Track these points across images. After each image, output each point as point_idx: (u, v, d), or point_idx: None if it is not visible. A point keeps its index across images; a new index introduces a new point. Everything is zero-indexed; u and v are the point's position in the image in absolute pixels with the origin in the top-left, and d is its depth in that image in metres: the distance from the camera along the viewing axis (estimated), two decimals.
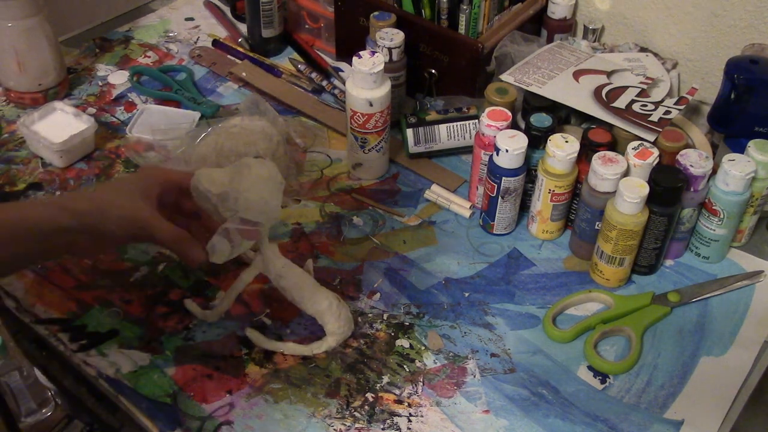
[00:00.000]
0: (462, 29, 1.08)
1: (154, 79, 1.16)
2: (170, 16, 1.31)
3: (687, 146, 0.90)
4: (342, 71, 1.19)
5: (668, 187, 0.84)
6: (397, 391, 0.78)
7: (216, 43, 1.23)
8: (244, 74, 1.16)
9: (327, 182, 1.02)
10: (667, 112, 0.95)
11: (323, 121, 1.10)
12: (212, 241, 0.74)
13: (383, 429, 0.75)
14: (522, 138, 0.88)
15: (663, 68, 1.06)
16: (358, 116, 0.95)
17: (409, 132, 1.02)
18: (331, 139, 1.08)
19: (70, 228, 0.73)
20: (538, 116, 0.92)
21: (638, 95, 0.98)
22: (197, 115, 1.08)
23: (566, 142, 0.87)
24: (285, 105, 1.12)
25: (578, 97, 0.98)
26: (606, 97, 0.98)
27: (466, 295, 0.88)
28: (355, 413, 0.76)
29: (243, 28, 1.25)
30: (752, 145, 0.87)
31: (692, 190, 0.87)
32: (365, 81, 0.92)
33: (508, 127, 0.90)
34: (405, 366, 0.81)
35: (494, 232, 0.95)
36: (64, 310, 0.85)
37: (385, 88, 0.94)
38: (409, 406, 0.77)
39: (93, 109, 1.11)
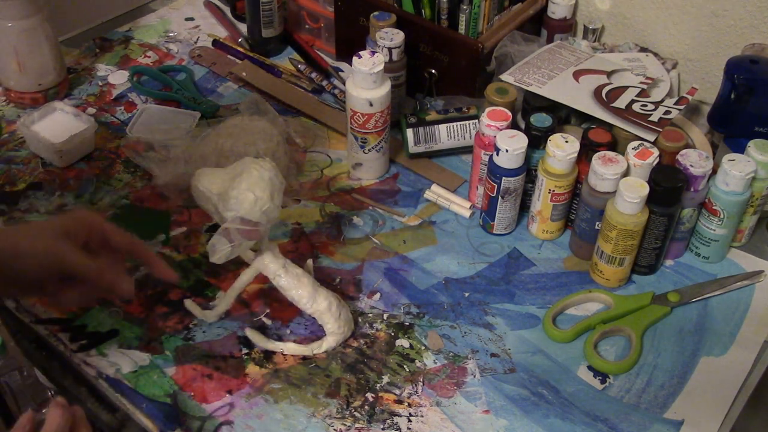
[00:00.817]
0: (462, 29, 1.08)
1: (154, 79, 1.16)
2: (170, 16, 1.31)
3: (687, 146, 0.90)
4: (342, 71, 1.19)
5: (668, 187, 0.84)
6: (397, 391, 0.78)
7: (216, 43, 1.23)
8: (244, 74, 1.16)
9: (327, 182, 1.02)
10: (667, 112, 0.95)
11: (323, 121, 1.10)
12: (212, 241, 0.74)
13: (383, 429, 0.75)
14: (522, 138, 0.88)
15: (663, 68, 1.06)
16: (358, 116, 0.95)
17: (409, 132, 1.02)
18: (331, 139, 1.08)
19: None
20: (538, 116, 0.92)
21: (638, 95, 0.98)
22: (197, 115, 1.08)
23: (566, 142, 0.87)
24: (285, 105, 1.12)
25: (578, 97, 0.98)
26: (606, 97, 0.98)
27: (466, 295, 0.88)
28: (355, 413, 0.76)
29: (243, 28, 1.25)
30: (752, 145, 0.87)
31: (692, 190, 0.87)
32: (365, 81, 0.92)
33: (508, 127, 0.90)
34: (405, 366, 0.81)
35: (494, 232, 0.95)
36: (64, 310, 0.85)
37: (385, 88, 0.94)
38: (409, 406, 0.77)
39: (93, 109, 1.11)
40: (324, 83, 1.15)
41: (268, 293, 0.87)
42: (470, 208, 0.97)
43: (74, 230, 0.73)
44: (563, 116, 1.00)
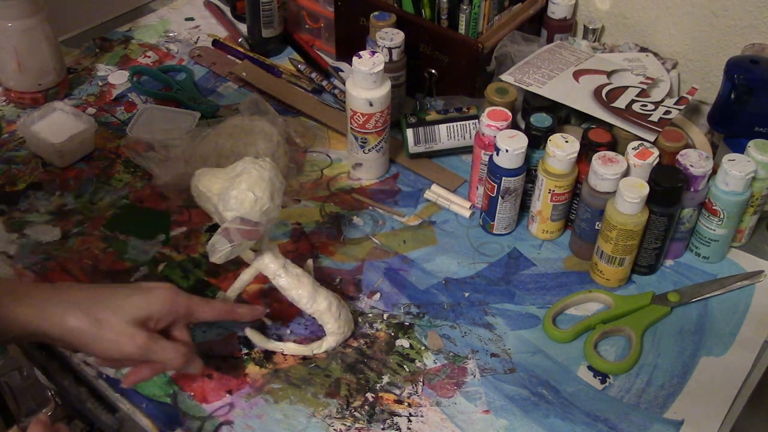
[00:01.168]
0: (462, 29, 1.08)
1: (154, 79, 1.16)
2: (170, 16, 1.31)
3: (687, 146, 0.90)
4: (342, 71, 1.19)
5: (668, 187, 0.84)
6: (397, 391, 0.78)
7: (216, 43, 1.23)
8: (244, 74, 1.16)
9: (327, 182, 1.02)
10: (667, 112, 0.95)
11: (323, 121, 1.10)
12: (212, 241, 0.74)
13: (383, 429, 0.75)
14: (522, 138, 0.88)
15: (663, 68, 1.06)
16: (358, 116, 0.95)
17: (409, 132, 1.02)
18: (331, 139, 1.08)
19: (48, 338, 0.67)
20: (538, 116, 0.92)
21: (638, 95, 0.98)
22: (197, 115, 1.08)
23: (566, 142, 0.87)
24: (285, 105, 1.12)
25: (578, 97, 0.98)
26: (606, 97, 0.98)
27: (466, 295, 0.88)
28: (355, 413, 0.76)
29: (243, 28, 1.25)
30: (752, 145, 0.87)
31: (692, 190, 0.87)
32: (365, 81, 0.92)
33: (508, 127, 0.90)
34: (405, 366, 0.81)
35: (494, 232, 0.95)
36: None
37: (385, 88, 0.94)
38: (409, 406, 0.77)
39: (93, 109, 1.11)
40: (324, 83, 1.15)
41: (268, 293, 0.87)
42: (470, 208, 0.97)
43: (156, 316, 0.70)
44: (563, 116, 1.00)
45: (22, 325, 0.66)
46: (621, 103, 0.97)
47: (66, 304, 0.68)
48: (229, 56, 1.22)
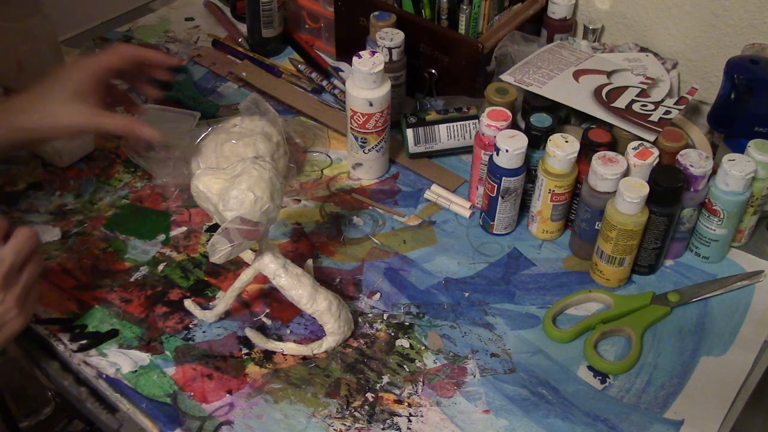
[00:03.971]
0: (462, 29, 1.08)
1: (154, 79, 1.16)
2: (170, 16, 1.31)
3: (687, 146, 0.90)
4: (342, 71, 1.19)
5: (668, 187, 0.84)
6: (397, 391, 0.78)
7: (216, 43, 1.23)
8: (244, 74, 1.16)
9: (327, 182, 1.02)
10: (667, 112, 0.95)
11: (323, 121, 1.10)
12: (212, 241, 0.74)
13: (383, 429, 0.75)
14: (522, 138, 0.88)
15: (663, 68, 1.06)
16: (358, 116, 0.95)
17: (409, 132, 1.02)
18: (331, 139, 1.08)
19: (19, 142, 0.81)
20: (538, 116, 0.92)
21: (638, 95, 0.98)
22: (197, 115, 1.08)
23: (566, 142, 0.87)
24: (285, 105, 1.12)
25: (578, 97, 0.98)
26: (606, 97, 0.98)
27: (466, 295, 0.88)
28: (355, 413, 0.76)
29: (243, 28, 1.25)
30: (752, 145, 0.87)
31: (692, 190, 0.87)
32: (365, 81, 0.92)
33: (508, 127, 0.90)
34: (405, 366, 0.81)
35: (494, 232, 0.95)
36: (64, 310, 0.85)
37: (385, 88, 0.94)
38: (409, 406, 0.77)
39: None
40: (324, 83, 1.15)
41: (268, 293, 0.87)
42: (470, 208, 0.97)
43: (86, 85, 0.81)
44: (563, 116, 1.00)
45: None
46: (621, 103, 0.97)
47: (18, 110, 0.82)
48: (229, 56, 1.22)
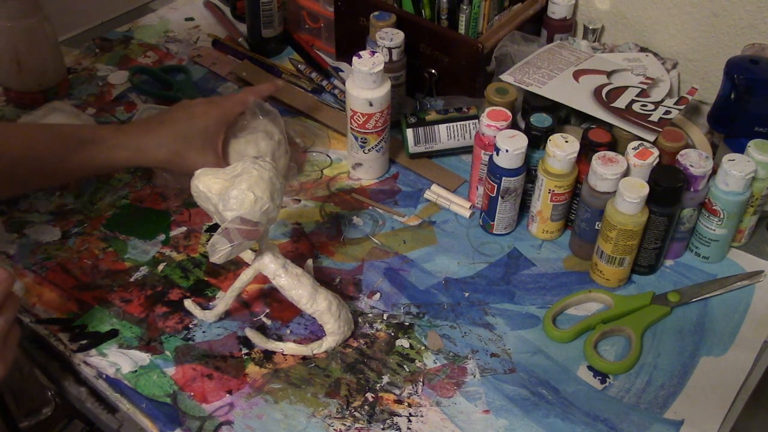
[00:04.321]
0: (462, 29, 1.08)
1: (154, 79, 1.16)
2: (170, 16, 1.31)
3: (687, 146, 0.90)
4: (342, 71, 1.19)
5: (668, 187, 0.84)
6: (397, 391, 0.78)
7: (216, 43, 1.23)
8: (244, 74, 1.16)
9: (327, 182, 1.02)
10: (667, 112, 0.95)
11: (323, 121, 1.10)
12: (212, 241, 0.74)
13: (383, 429, 0.75)
14: (522, 138, 0.88)
15: (663, 68, 1.06)
16: (358, 116, 0.95)
17: (409, 132, 1.02)
18: (331, 139, 1.08)
19: (132, 167, 0.93)
20: (538, 116, 0.92)
21: (638, 95, 0.98)
22: None
23: (566, 142, 0.87)
24: (285, 105, 1.12)
25: (578, 97, 0.98)
26: (606, 97, 0.98)
27: (466, 295, 0.88)
28: (355, 413, 0.76)
29: (243, 28, 1.25)
30: (752, 145, 0.87)
31: (692, 190, 0.87)
32: (365, 81, 0.92)
33: (508, 127, 0.90)
34: (405, 366, 0.81)
35: (494, 232, 0.95)
36: (64, 310, 0.85)
37: (385, 88, 0.94)
38: (409, 406, 0.77)
39: (93, 109, 1.11)
40: (324, 83, 1.15)
41: (268, 293, 0.87)
42: (470, 208, 0.97)
43: (215, 136, 0.91)
44: (563, 116, 1.00)
45: (122, 163, 0.89)
46: (621, 103, 0.97)
47: (150, 141, 0.88)
48: (229, 56, 1.22)
